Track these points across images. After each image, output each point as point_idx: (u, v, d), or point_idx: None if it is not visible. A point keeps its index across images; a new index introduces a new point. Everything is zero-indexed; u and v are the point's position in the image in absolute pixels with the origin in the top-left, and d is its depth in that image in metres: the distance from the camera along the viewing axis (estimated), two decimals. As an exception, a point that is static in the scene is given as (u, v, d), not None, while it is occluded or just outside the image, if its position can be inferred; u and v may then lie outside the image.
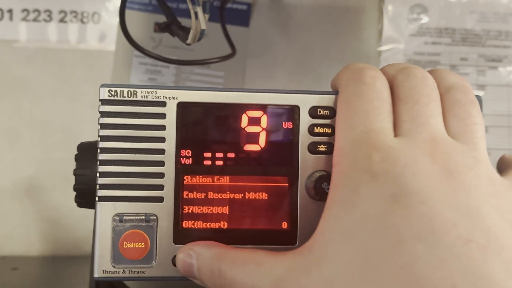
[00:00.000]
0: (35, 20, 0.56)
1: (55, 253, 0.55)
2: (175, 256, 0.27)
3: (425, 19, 0.57)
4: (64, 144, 0.55)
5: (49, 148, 0.55)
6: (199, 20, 0.35)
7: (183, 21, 0.40)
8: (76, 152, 0.30)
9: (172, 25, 0.40)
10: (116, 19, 0.56)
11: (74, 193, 0.30)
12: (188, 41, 0.38)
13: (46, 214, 0.55)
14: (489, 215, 0.21)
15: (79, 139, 0.32)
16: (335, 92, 0.28)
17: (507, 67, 0.57)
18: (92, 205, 0.28)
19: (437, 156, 0.23)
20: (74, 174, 0.29)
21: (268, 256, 0.25)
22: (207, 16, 0.36)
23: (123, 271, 0.27)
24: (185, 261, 0.26)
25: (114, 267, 0.27)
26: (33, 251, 0.55)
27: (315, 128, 0.28)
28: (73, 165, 0.30)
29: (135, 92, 0.27)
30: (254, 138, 0.28)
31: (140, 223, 0.27)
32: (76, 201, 0.30)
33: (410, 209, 0.21)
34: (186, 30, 0.38)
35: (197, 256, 0.26)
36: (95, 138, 0.28)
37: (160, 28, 0.41)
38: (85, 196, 0.29)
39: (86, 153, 0.30)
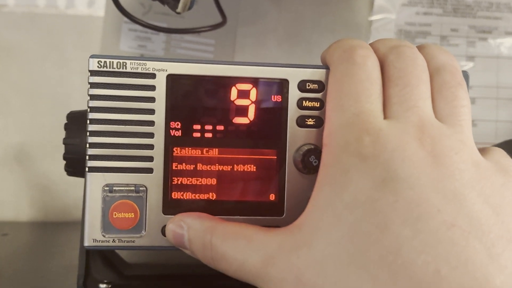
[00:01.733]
0: (22, -16, 0.55)
1: (45, 219, 0.55)
2: (165, 226, 0.28)
3: (417, -11, 0.57)
4: (53, 110, 0.54)
5: (38, 115, 0.55)
6: (190, -11, 0.35)
7: (173, -11, 0.39)
8: (66, 121, 0.30)
9: (162, -7, 0.39)
10: (105, -16, 0.55)
11: (64, 161, 0.30)
12: (178, 9, 0.37)
13: (36, 181, 0.55)
14: (473, 200, 0.22)
15: (68, 106, 0.32)
16: (325, 66, 0.28)
17: (497, 38, 0.57)
18: (82, 174, 0.28)
19: (425, 140, 0.23)
20: (64, 144, 0.29)
21: (259, 232, 0.25)
22: (197, -15, 0.35)
23: (113, 240, 0.27)
24: (176, 231, 0.27)
25: (104, 236, 0.27)
26: (23, 217, 0.55)
27: (304, 102, 0.28)
28: (62, 132, 0.30)
29: (124, 64, 0.27)
30: (243, 111, 0.28)
31: (129, 194, 0.27)
32: (66, 170, 0.30)
33: (398, 194, 0.22)
34: (176, -1, 0.38)
35: (188, 228, 0.27)
36: (85, 105, 0.28)
37: (150, -4, 0.40)
38: (75, 165, 0.29)
39: (76, 123, 0.30)
